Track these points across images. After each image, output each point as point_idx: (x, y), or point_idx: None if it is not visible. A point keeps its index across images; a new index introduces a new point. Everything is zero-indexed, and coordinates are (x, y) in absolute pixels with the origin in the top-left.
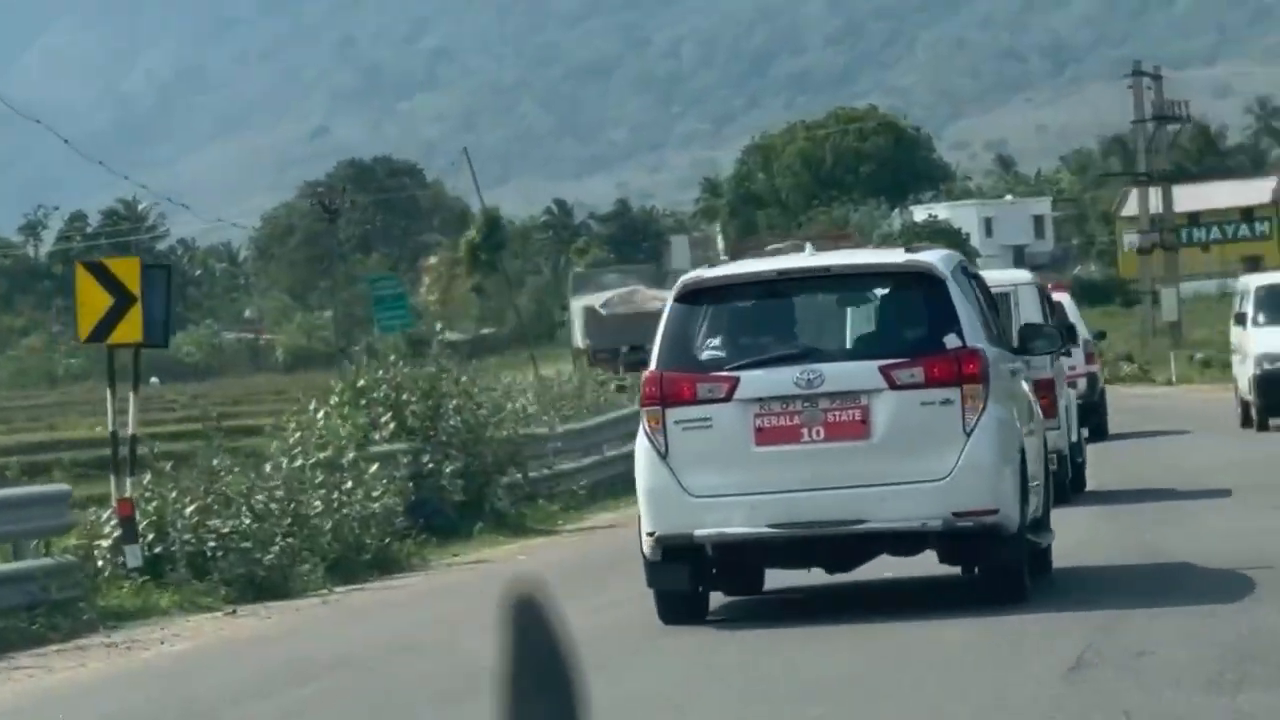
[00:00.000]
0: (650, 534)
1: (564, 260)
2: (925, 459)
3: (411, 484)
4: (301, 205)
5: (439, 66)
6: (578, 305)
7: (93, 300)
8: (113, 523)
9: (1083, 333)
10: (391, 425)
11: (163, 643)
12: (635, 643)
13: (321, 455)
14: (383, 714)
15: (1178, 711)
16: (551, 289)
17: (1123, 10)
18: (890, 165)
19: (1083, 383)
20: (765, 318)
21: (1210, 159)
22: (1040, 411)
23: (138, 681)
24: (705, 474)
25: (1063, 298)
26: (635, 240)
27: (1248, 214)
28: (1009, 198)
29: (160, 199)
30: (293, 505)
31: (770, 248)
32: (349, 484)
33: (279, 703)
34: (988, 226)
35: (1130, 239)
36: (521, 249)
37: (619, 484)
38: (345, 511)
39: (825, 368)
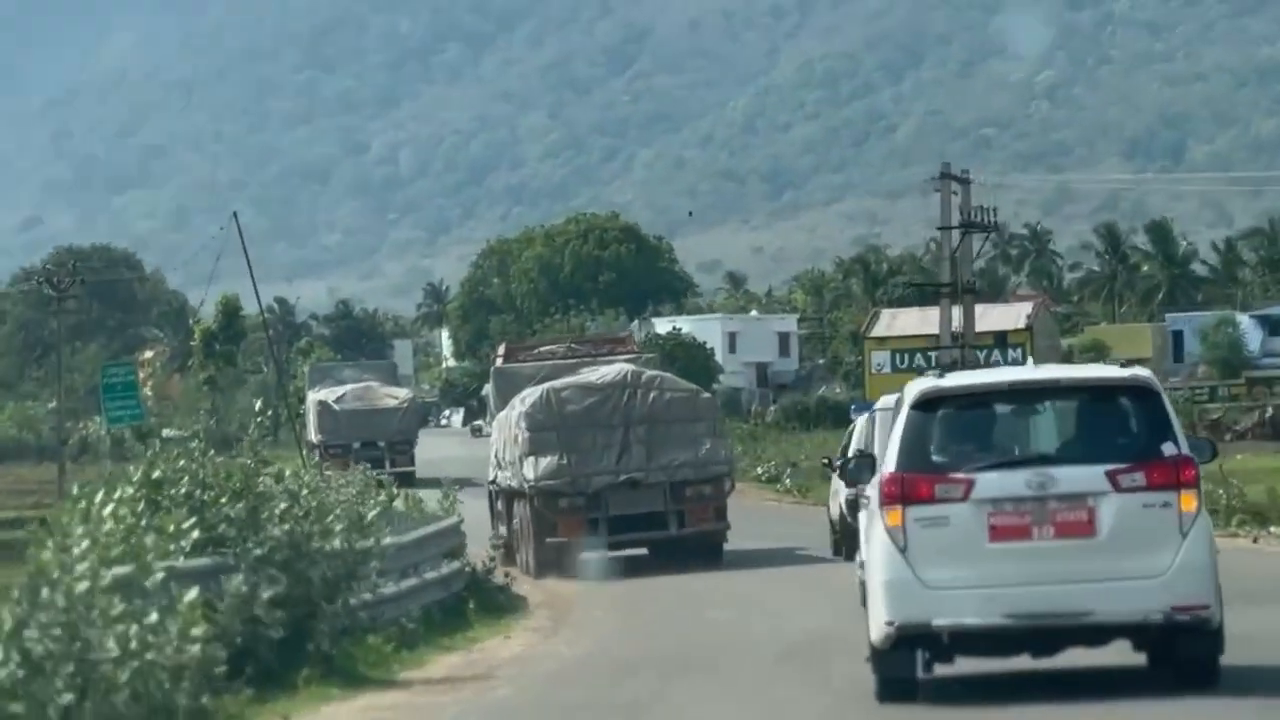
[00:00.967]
0: (890, 623)
1: (287, 359)
2: (1146, 557)
3: (230, 617)
4: (13, 293)
5: (153, 162)
6: (313, 399)
7: None
8: None
9: None
10: (195, 533)
11: None
12: None
13: (113, 574)
14: None
15: None
16: (275, 387)
17: (844, 138)
18: (630, 275)
19: None
20: (997, 424)
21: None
22: None
23: None
24: (942, 568)
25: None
26: (358, 342)
27: (1001, 338)
28: (754, 313)
29: None
30: (78, 646)
31: (542, 349)
32: (154, 616)
33: None
34: (731, 342)
35: (879, 360)
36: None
37: (441, 615)
38: (150, 657)
39: (1055, 471)
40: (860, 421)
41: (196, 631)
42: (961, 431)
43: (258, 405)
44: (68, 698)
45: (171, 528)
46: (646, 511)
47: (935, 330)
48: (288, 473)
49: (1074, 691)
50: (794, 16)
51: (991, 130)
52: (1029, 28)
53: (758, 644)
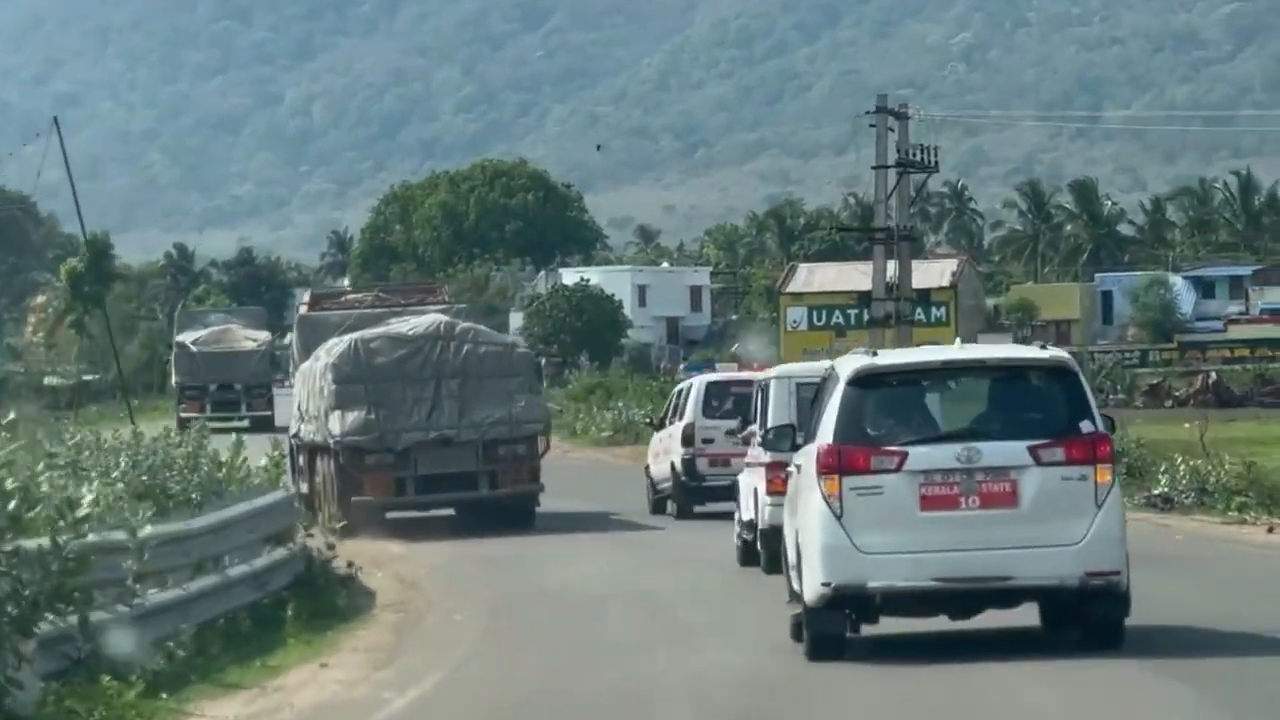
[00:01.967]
0: (826, 584)
1: (183, 306)
2: (1063, 526)
3: None
4: None
5: (66, 110)
6: (175, 342)
7: None
8: None
9: None
10: None
11: None
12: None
13: None
14: None
15: None
16: (164, 335)
17: (757, 97)
18: (538, 224)
19: None
20: (927, 400)
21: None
22: None
23: None
24: (876, 534)
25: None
26: (257, 291)
27: (924, 296)
28: (665, 265)
29: None
30: None
31: (350, 297)
32: None
33: None
34: (641, 295)
35: (795, 316)
36: (138, 294)
37: (252, 625)
38: None
39: (981, 445)
40: (776, 390)
41: None
42: (894, 407)
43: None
44: None
45: None
46: (457, 471)
47: (855, 286)
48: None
49: (987, 651)
50: None
51: (907, 91)
52: None
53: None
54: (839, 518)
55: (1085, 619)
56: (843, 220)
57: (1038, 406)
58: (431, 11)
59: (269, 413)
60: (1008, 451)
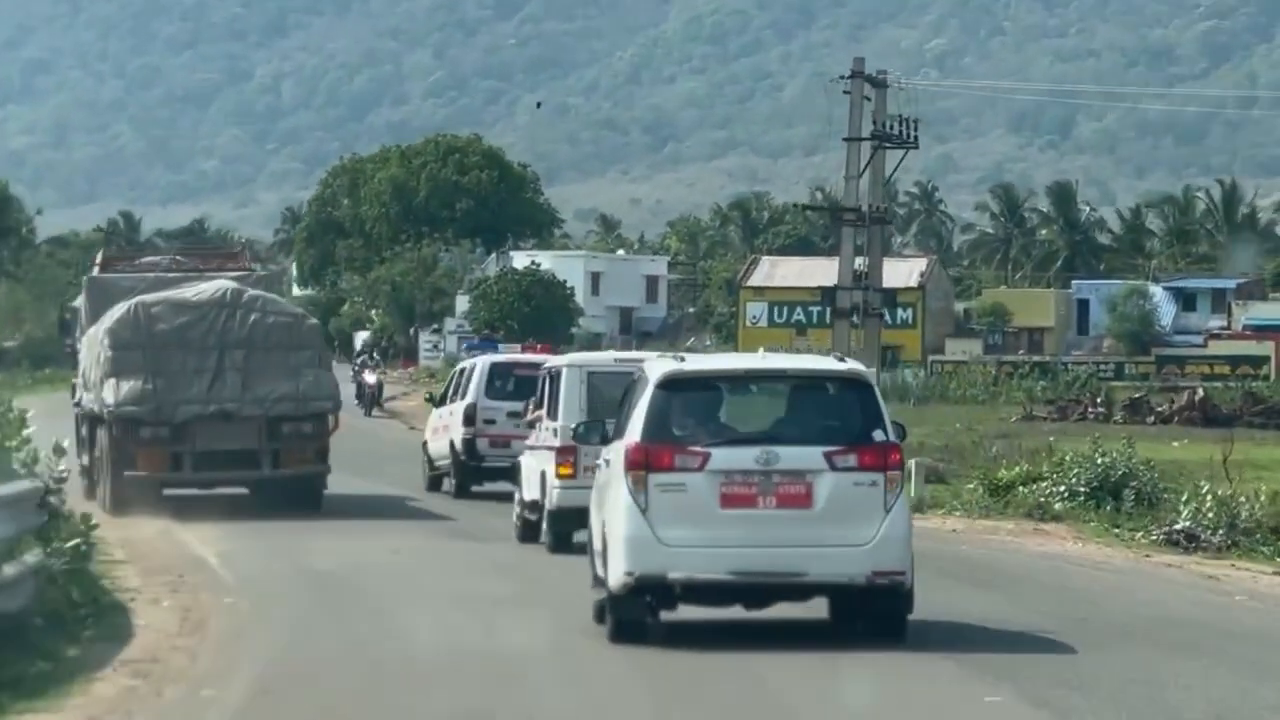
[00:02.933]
0: (629, 573)
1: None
2: (854, 528)
3: None
4: None
5: (35, 77)
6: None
7: None
8: None
9: None
10: None
11: None
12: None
13: None
14: None
15: None
16: None
17: (729, 95)
18: (491, 204)
19: None
20: (731, 405)
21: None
22: None
23: None
24: (677, 528)
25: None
26: None
27: (890, 297)
28: (621, 253)
29: None
30: None
31: (146, 260)
32: None
33: None
34: (594, 283)
35: (755, 311)
36: (80, 261)
37: None
38: None
39: (779, 449)
40: (568, 378)
41: None
42: (699, 410)
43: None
44: None
45: None
46: (238, 448)
47: (817, 283)
48: None
49: (778, 640)
50: None
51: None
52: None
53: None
54: (644, 511)
55: (871, 614)
56: (809, 217)
57: (834, 415)
58: None
59: None
60: (804, 456)
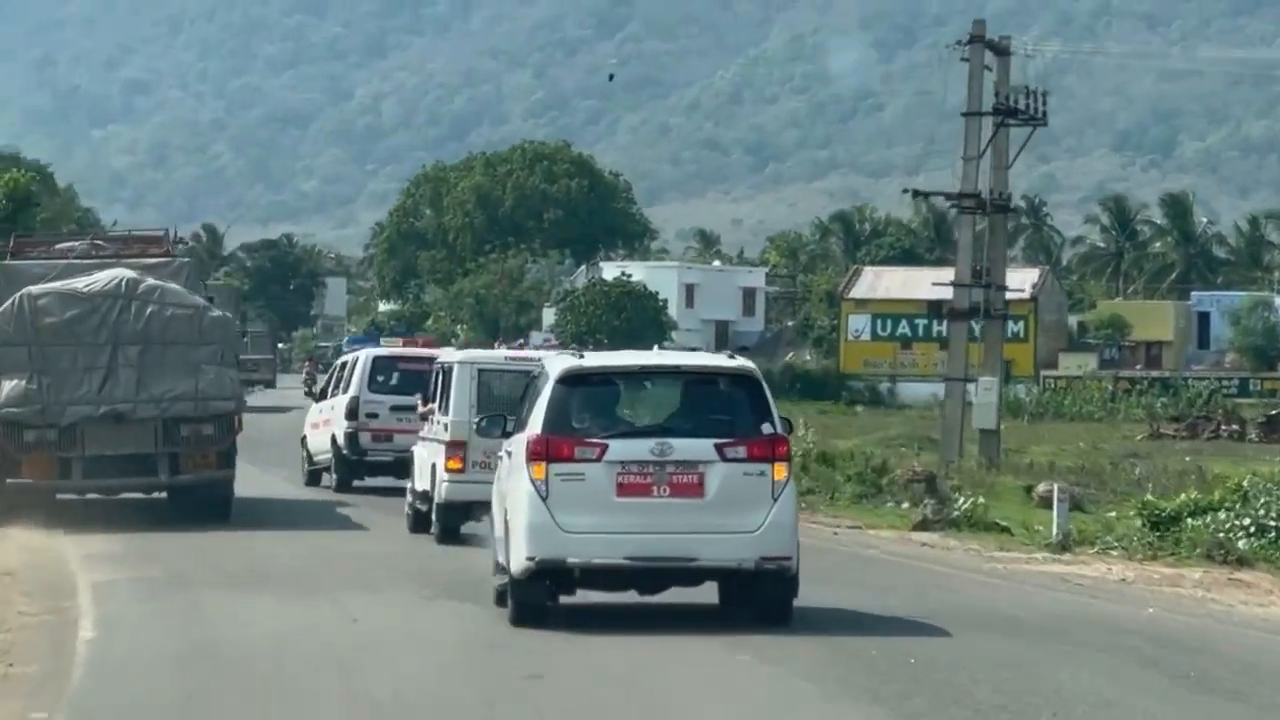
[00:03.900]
0: (530, 559)
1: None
2: (743, 516)
3: None
4: None
5: (135, 98)
6: None
7: None
8: None
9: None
10: None
11: None
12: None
13: None
14: None
15: None
16: None
17: (830, 115)
18: (580, 214)
19: None
20: (627, 399)
21: (943, 247)
22: None
23: None
24: (576, 515)
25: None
26: (284, 277)
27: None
28: (717, 264)
29: None
30: None
31: (61, 245)
32: None
33: None
34: (689, 295)
35: (857, 324)
36: None
37: None
38: None
39: (673, 441)
40: (459, 375)
41: None
42: (597, 404)
43: None
44: None
45: None
46: (132, 452)
47: (923, 295)
48: None
49: (669, 623)
50: None
51: None
52: (1027, 12)
53: None
54: (544, 499)
55: (759, 598)
56: (913, 228)
57: (725, 409)
58: (506, 14)
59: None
60: (696, 448)
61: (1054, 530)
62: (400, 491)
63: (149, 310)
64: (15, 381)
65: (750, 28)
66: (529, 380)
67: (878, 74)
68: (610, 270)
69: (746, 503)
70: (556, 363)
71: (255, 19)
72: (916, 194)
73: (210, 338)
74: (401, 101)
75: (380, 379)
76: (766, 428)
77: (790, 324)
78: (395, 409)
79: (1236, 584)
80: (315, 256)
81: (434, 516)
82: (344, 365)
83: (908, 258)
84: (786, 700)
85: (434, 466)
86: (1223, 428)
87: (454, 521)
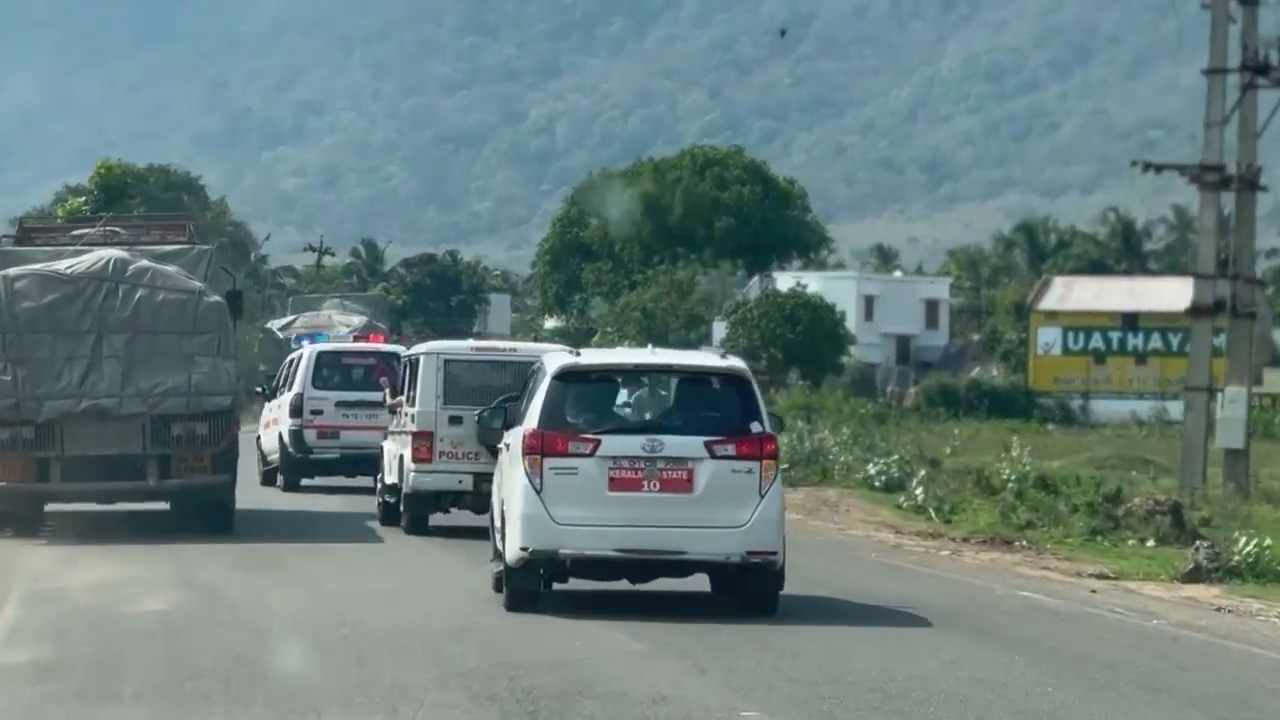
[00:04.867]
0: (524, 549)
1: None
2: (731, 511)
3: None
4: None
5: (307, 119)
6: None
7: None
8: None
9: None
10: None
11: None
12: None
13: None
14: None
15: None
16: None
17: (1005, 133)
18: (753, 222)
19: None
20: (621, 396)
21: (1130, 260)
22: None
23: None
24: (569, 508)
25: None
26: (444, 293)
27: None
28: (898, 274)
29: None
30: None
31: (74, 233)
32: None
33: None
34: (868, 308)
35: (1048, 338)
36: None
37: None
38: None
39: (664, 438)
40: (425, 366)
41: None
42: (592, 400)
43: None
44: None
45: None
46: (117, 453)
47: (1116, 306)
48: None
49: (659, 610)
50: (963, 8)
51: (1158, 133)
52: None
53: None
54: (539, 492)
55: (746, 589)
56: (1101, 239)
57: (715, 407)
58: (679, 35)
59: None
60: (686, 445)
61: None
62: (354, 489)
63: (138, 295)
64: None
65: (925, 47)
66: (529, 375)
67: (1053, 92)
68: (784, 281)
69: (734, 499)
70: (554, 359)
71: (428, 40)
72: (1148, 166)
73: (206, 325)
74: (575, 122)
75: (325, 374)
76: (755, 426)
77: (976, 338)
78: (341, 405)
79: None
80: (479, 273)
81: (402, 507)
82: (290, 363)
83: (1096, 269)
84: None
85: (401, 458)
86: None
87: (422, 511)
